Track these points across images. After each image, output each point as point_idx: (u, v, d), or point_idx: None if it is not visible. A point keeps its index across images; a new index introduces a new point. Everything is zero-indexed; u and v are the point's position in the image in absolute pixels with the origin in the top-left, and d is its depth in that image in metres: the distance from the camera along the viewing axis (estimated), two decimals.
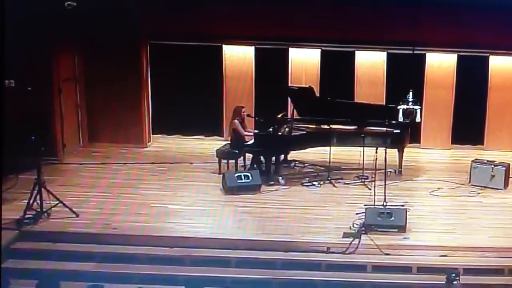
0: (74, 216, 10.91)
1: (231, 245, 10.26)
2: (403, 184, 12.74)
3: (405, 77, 14.07)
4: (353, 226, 10.69)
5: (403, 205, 11.23)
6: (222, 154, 13.19)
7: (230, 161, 13.20)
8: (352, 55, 14.67)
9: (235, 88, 14.91)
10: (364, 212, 10.77)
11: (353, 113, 13.05)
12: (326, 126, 13.10)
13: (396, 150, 12.93)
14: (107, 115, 14.53)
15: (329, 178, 12.75)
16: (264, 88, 14.81)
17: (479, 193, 12.29)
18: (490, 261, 9.93)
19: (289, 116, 13.51)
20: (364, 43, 14.35)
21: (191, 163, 13.74)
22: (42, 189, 10.82)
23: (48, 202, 10.89)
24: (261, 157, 12.91)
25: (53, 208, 10.91)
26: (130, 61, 14.42)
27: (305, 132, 13.12)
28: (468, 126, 14.78)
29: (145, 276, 9.68)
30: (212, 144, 14.31)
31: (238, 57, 14.89)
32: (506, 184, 12.50)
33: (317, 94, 13.77)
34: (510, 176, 12.61)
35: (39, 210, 10.80)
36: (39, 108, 13.01)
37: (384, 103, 14.23)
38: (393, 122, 12.91)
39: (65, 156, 13.88)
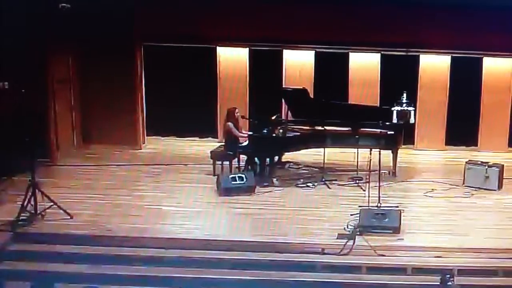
0: (68, 217, 10.86)
1: (226, 246, 10.25)
2: (397, 185, 12.76)
3: (399, 78, 14.11)
4: (347, 227, 10.68)
5: (397, 206, 11.22)
6: (216, 156, 13.18)
7: (225, 162, 13.18)
8: (346, 57, 14.68)
9: (230, 90, 14.89)
10: (359, 213, 10.77)
11: (347, 115, 13.03)
12: (320, 128, 13.10)
13: (390, 151, 12.95)
14: (101, 117, 14.50)
15: (324, 180, 12.75)
16: (259, 90, 14.82)
17: (473, 194, 12.30)
18: (485, 262, 9.93)
19: (283, 117, 13.52)
20: (358, 45, 14.37)
21: (186, 164, 13.73)
22: (36, 190, 10.80)
23: (42, 204, 10.85)
24: (256, 158, 12.93)
25: (47, 210, 10.86)
26: (124, 63, 14.40)
27: (299, 133, 13.11)
28: (462, 127, 14.81)
29: (139, 277, 9.66)
30: (206, 146, 14.33)
31: (232, 58, 14.89)
32: (500, 185, 12.53)
33: (311, 96, 13.79)
34: (504, 177, 12.65)
35: (33, 212, 10.76)
36: (33, 109, 12.96)
37: (378, 104, 14.27)
38: (387, 123, 12.90)
39: (59, 157, 13.85)
